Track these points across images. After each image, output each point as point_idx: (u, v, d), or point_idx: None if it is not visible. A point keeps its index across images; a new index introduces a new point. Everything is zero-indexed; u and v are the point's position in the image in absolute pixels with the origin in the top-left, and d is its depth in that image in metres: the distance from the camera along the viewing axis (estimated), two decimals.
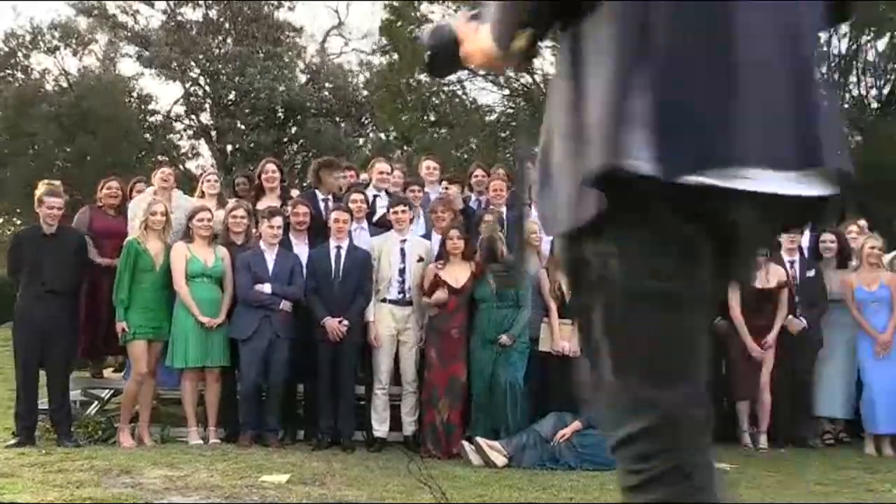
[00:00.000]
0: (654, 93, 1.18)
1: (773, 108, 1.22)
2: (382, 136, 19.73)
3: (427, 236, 6.51)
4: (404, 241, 6.21)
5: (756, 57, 1.21)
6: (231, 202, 6.66)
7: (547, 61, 16.44)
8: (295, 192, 7.24)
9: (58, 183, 6.16)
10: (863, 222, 7.28)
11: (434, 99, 16.89)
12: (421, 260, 6.16)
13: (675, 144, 1.17)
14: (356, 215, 6.33)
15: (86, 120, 17.42)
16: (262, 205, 6.55)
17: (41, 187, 5.97)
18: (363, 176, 7.85)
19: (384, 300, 6.12)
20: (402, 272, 6.14)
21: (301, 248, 6.25)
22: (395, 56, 16.15)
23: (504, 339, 5.87)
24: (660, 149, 1.17)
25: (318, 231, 6.33)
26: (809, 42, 1.30)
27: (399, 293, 6.13)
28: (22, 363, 5.77)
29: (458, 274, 6.03)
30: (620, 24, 1.22)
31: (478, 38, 1.48)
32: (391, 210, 6.29)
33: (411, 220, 6.40)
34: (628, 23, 1.22)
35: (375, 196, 6.91)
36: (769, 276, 6.27)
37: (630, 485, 1.28)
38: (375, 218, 6.70)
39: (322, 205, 6.69)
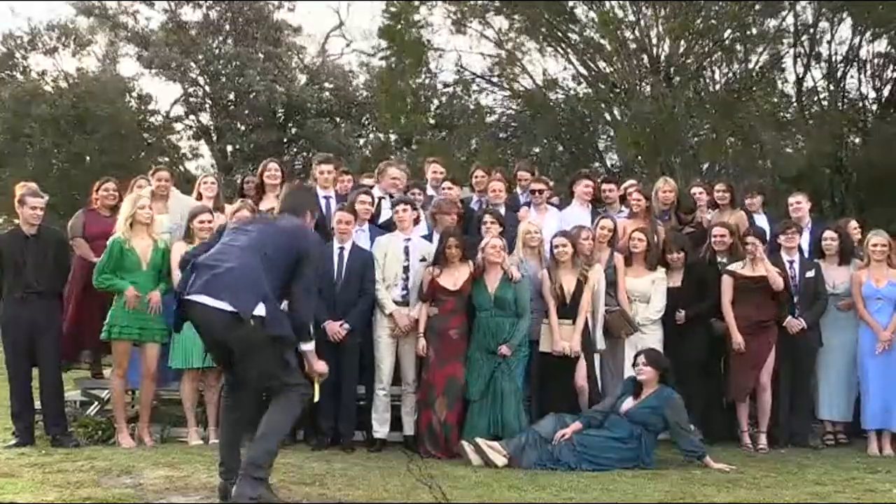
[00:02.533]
0: None
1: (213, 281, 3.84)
2: (382, 137, 19.70)
3: (429, 237, 6.50)
4: (408, 239, 6.22)
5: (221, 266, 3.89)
6: (237, 202, 6.65)
7: (548, 66, 16.50)
8: None
9: (34, 185, 6.10)
10: (854, 224, 7.26)
11: (435, 100, 16.83)
12: (423, 260, 6.16)
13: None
14: (361, 217, 6.32)
15: (84, 121, 17.38)
16: (263, 205, 6.53)
17: (21, 188, 5.93)
18: (363, 181, 7.84)
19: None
20: (405, 270, 6.15)
21: None
22: (395, 60, 16.07)
23: (504, 349, 5.85)
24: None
25: (319, 230, 6.31)
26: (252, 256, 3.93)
27: (403, 291, 6.13)
28: (12, 366, 5.76)
29: (456, 275, 6.03)
30: None
31: None
32: (393, 210, 6.29)
33: (416, 221, 6.40)
34: None
35: (381, 199, 6.90)
36: (756, 267, 6.26)
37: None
38: (381, 220, 6.69)
39: (323, 203, 6.69)
